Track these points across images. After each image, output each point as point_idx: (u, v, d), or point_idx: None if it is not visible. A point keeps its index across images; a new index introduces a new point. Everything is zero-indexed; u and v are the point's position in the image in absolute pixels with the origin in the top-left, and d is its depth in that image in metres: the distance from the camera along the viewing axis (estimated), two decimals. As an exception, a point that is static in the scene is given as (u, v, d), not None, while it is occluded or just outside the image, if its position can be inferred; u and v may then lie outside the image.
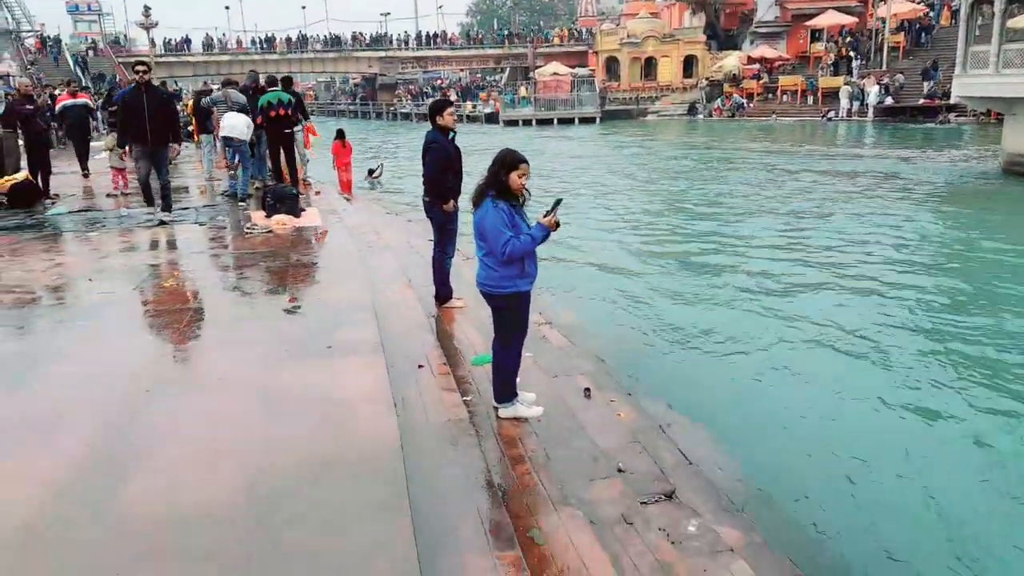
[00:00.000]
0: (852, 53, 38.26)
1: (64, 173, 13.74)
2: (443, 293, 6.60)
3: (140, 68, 8.97)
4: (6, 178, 10.86)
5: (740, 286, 8.91)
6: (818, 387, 6.20)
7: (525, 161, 4.01)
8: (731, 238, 11.51)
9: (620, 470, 4.11)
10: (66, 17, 57.88)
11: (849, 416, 5.68)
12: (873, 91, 33.43)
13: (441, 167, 6.25)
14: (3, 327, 5.22)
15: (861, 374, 6.42)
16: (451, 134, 6.30)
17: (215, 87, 15.20)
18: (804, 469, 4.96)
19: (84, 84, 29.62)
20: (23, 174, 10.90)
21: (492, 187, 3.99)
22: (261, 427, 3.62)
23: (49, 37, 53.77)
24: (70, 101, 13.54)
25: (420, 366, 4.87)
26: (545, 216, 4.01)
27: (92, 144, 14.65)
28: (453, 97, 54.22)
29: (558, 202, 4.11)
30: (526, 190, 4.08)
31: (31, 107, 11.21)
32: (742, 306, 8.20)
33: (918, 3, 39.43)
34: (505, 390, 4.40)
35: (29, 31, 52.73)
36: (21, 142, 11.94)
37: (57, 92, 20.98)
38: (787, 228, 12.15)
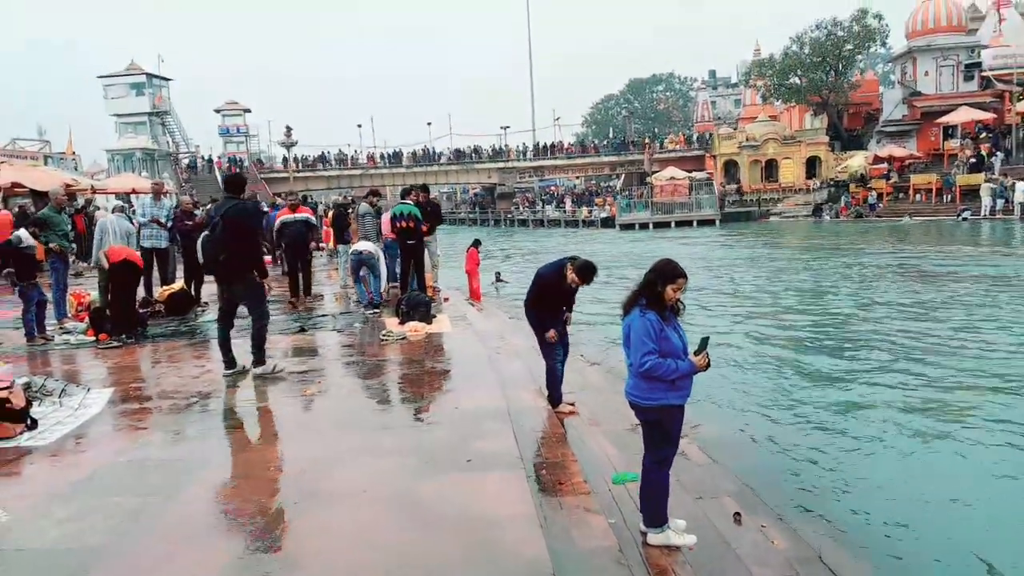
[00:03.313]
0: (992, 149, 36.46)
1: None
2: (554, 397, 6.55)
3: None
4: (165, 288, 11.73)
5: (888, 400, 8.33)
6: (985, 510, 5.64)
7: (684, 276, 3.87)
8: (881, 347, 10.80)
9: (783, 608, 3.73)
10: (217, 139, 63.99)
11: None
12: (1020, 187, 31.49)
13: (537, 296, 6.39)
14: (162, 434, 5.44)
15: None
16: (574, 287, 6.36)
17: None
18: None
19: (306, 199, 29.97)
20: (179, 284, 11.75)
21: (644, 296, 3.87)
22: (410, 546, 3.52)
23: (203, 157, 59.52)
24: (290, 216, 12.42)
25: (561, 483, 4.67)
26: (696, 354, 3.86)
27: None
28: (569, 204, 55.48)
29: (705, 340, 3.94)
30: (680, 303, 3.93)
31: (190, 223, 12.16)
32: (892, 420, 7.64)
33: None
34: (656, 514, 4.11)
35: (186, 152, 58.65)
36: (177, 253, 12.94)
37: (276, 206, 21.71)
38: (943, 336, 11.30)
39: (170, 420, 5.77)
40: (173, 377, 7.26)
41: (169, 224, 12.01)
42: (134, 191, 27.19)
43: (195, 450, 5.03)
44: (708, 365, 3.91)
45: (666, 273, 3.84)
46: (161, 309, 11.23)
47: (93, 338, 9.21)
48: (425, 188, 12.92)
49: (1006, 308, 13.15)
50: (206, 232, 7.74)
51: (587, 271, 6.20)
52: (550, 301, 6.42)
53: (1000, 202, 32.79)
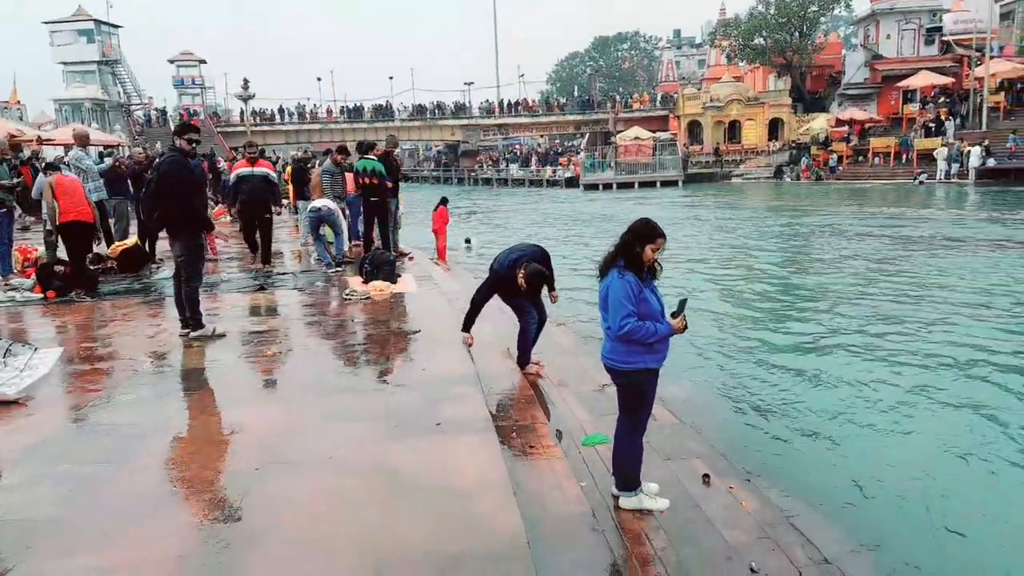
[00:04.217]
0: (948, 114, 36.97)
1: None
2: (523, 358, 6.58)
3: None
4: (116, 244, 11.29)
5: (852, 358, 8.46)
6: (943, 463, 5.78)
7: (663, 235, 3.73)
8: (845, 310, 10.92)
9: (753, 570, 3.71)
10: (172, 91, 61.96)
11: (997, 500, 5.14)
12: (975, 153, 32.03)
13: (486, 293, 6.42)
14: (114, 397, 5.20)
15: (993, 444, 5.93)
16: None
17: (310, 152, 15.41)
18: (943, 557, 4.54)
19: (263, 152, 28.52)
20: (133, 240, 11.32)
21: (622, 257, 3.73)
22: (378, 513, 3.39)
23: (157, 109, 57.58)
24: (247, 169, 10.82)
25: (532, 446, 4.58)
26: (673, 316, 3.76)
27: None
28: (535, 163, 55.08)
29: (683, 302, 3.86)
30: (658, 263, 3.80)
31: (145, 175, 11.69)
32: (854, 378, 7.76)
33: (1021, 62, 37.92)
34: (629, 478, 4.04)
35: (139, 104, 56.64)
36: (131, 208, 12.47)
37: (231, 159, 20.19)
38: (907, 299, 11.46)
39: (123, 382, 5.52)
40: (126, 337, 6.98)
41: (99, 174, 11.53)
42: (90, 142, 26.13)
43: (150, 414, 4.81)
44: (685, 327, 3.83)
45: (644, 233, 3.70)
46: (113, 265, 10.83)
47: (40, 295, 8.83)
48: (394, 141, 12.54)
49: (966, 269, 13.38)
50: (143, 190, 7.35)
51: (536, 279, 6.27)
52: (503, 291, 6.44)
53: (955, 166, 33.35)
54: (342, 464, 3.91)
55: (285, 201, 20.99)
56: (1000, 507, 5.16)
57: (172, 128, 44.94)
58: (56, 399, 5.24)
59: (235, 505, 3.48)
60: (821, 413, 6.95)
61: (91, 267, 9.70)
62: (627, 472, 4.04)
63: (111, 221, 12.94)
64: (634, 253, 3.69)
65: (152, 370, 5.89)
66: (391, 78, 71.53)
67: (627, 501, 4.07)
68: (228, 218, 15.57)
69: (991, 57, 36.12)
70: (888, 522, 5.08)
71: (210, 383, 5.55)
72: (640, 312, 3.68)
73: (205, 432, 4.49)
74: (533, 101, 65.67)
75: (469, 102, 63.47)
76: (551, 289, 6.62)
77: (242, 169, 10.98)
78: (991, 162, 31.78)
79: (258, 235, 11.13)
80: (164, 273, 10.43)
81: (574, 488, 4.04)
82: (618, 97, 62.70)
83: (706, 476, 4.89)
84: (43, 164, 12.83)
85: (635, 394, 3.91)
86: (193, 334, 6.78)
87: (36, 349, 6.27)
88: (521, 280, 6.21)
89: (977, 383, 7.50)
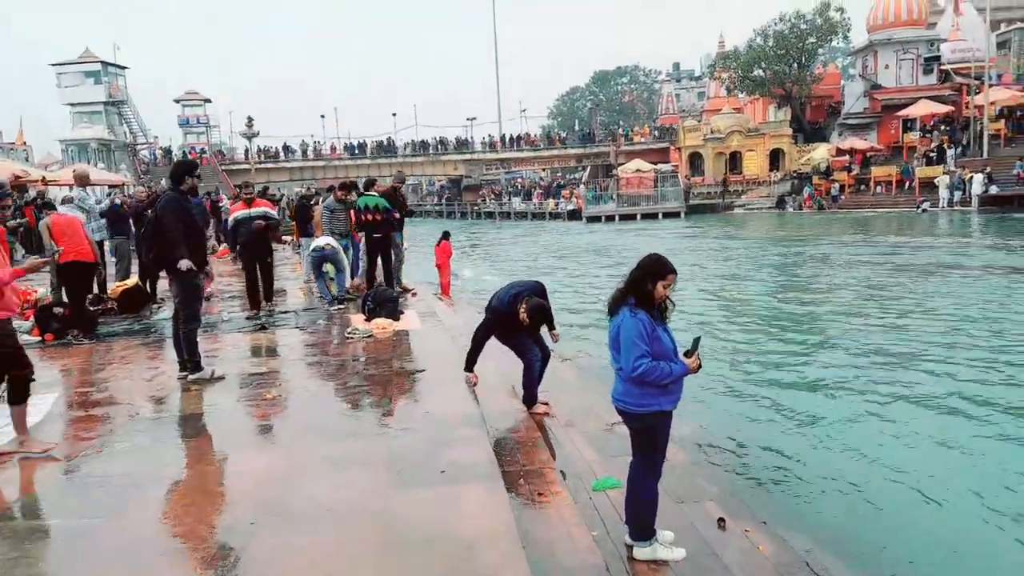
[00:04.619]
0: (949, 142, 37.09)
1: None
2: (529, 397, 6.37)
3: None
4: (118, 284, 11.19)
5: (864, 393, 8.30)
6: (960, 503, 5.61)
7: (674, 271, 3.59)
8: (856, 344, 10.75)
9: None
10: (177, 130, 62.45)
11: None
12: (977, 180, 32.03)
13: (486, 332, 6.33)
14: (108, 445, 5.04)
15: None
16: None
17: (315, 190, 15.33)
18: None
19: (266, 190, 27.91)
20: (133, 280, 11.22)
21: (632, 295, 3.59)
22: (379, 570, 3.21)
23: (162, 148, 58.07)
24: (244, 212, 10.10)
25: (540, 493, 4.39)
26: (687, 355, 3.62)
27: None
28: (537, 197, 55.27)
29: (697, 340, 3.72)
30: (670, 300, 3.66)
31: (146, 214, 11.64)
32: (865, 412, 7.65)
33: (1020, 90, 38.11)
34: (644, 527, 3.85)
35: (144, 143, 57.14)
36: (132, 248, 12.39)
37: (224, 201, 19.56)
38: (922, 331, 11.28)
39: (119, 429, 5.36)
40: (124, 380, 6.83)
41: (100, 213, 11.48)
42: (90, 182, 26.25)
43: (144, 463, 4.64)
44: (700, 367, 3.69)
45: (655, 269, 3.57)
46: (114, 306, 10.71)
47: (38, 338, 8.70)
48: (401, 177, 12.51)
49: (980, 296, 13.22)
50: (143, 230, 7.23)
51: (539, 315, 6.15)
52: (503, 328, 6.31)
53: (957, 194, 33.31)
54: (342, 516, 3.73)
55: (288, 238, 21.03)
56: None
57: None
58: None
59: (229, 563, 3.30)
60: (832, 448, 6.83)
61: (91, 308, 9.58)
62: (642, 520, 3.85)
63: (112, 260, 12.88)
64: (645, 290, 3.55)
65: (148, 416, 5.73)
66: (394, 114, 72.15)
67: (641, 551, 3.88)
68: (230, 257, 15.50)
69: (990, 85, 36.31)
70: (908, 561, 4.90)
71: (207, 429, 5.38)
72: (653, 351, 3.52)
73: (200, 482, 4.32)
74: (535, 135, 66.12)
75: (471, 137, 63.91)
76: (551, 327, 6.48)
77: (239, 212, 10.31)
78: (994, 189, 31.75)
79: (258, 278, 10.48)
80: (164, 313, 10.30)
81: (585, 538, 3.85)
82: (620, 130, 63.08)
83: (721, 520, 4.72)
84: (39, 203, 12.73)
85: (650, 438, 3.74)
86: (191, 377, 6.63)
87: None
88: (524, 315, 6.09)
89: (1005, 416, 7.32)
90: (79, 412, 5.84)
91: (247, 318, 9.68)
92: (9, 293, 4.63)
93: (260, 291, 10.31)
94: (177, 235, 6.52)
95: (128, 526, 3.76)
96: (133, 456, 4.79)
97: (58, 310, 8.92)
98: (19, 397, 4.79)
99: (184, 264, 6.48)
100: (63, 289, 9.09)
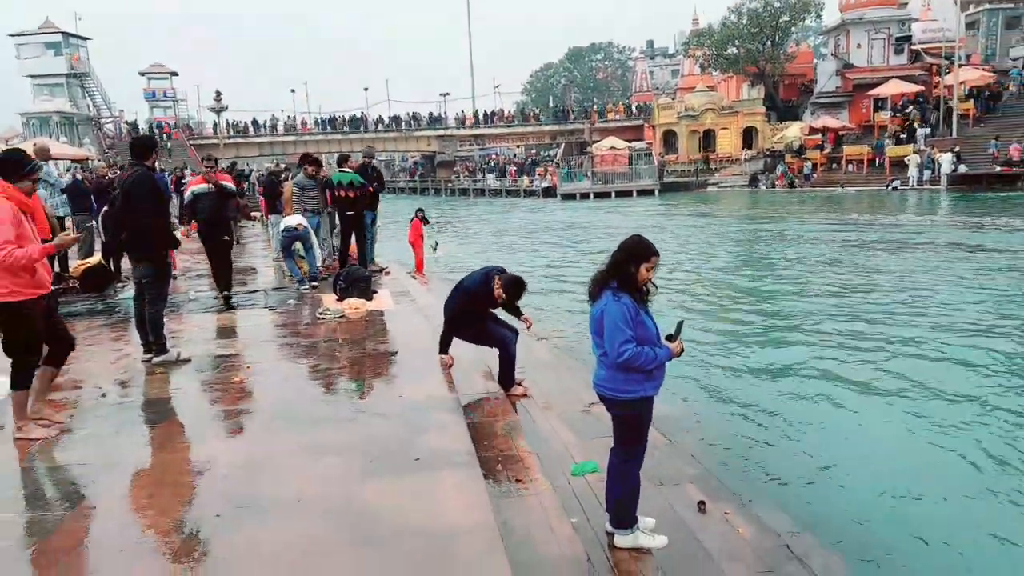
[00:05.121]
0: (920, 121, 37.44)
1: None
2: (506, 379, 6.29)
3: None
4: (80, 262, 10.85)
5: (832, 369, 8.36)
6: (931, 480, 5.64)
7: (656, 253, 3.47)
8: (820, 316, 10.79)
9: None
10: (143, 103, 60.97)
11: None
12: (946, 159, 32.38)
13: (461, 310, 6.13)
14: (68, 431, 4.82)
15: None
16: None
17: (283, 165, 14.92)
18: None
19: (234, 165, 26.34)
20: (96, 258, 10.87)
21: (614, 278, 3.46)
22: (353, 563, 3.07)
23: (127, 122, 56.66)
24: (203, 186, 9.08)
25: (519, 480, 4.28)
26: (670, 339, 3.52)
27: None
28: (512, 174, 55.05)
29: (680, 324, 3.64)
30: (652, 283, 3.54)
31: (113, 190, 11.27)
32: (837, 390, 7.67)
33: (988, 70, 38.52)
34: (625, 514, 3.76)
35: (109, 117, 55.68)
36: (94, 224, 12.02)
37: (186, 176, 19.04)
38: (895, 308, 11.34)
39: (79, 414, 5.15)
40: (86, 363, 6.56)
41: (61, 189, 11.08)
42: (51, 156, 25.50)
43: (105, 451, 4.44)
44: (683, 351, 3.59)
45: (638, 251, 3.44)
46: (76, 285, 10.38)
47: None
48: (371, 152, 12.23)
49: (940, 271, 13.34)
50: (106, 207, 6.94)
51: (515, 288, 6.03)
52: (472, 314, 6.16)
53: (927, 173, 33.67)
54: (313, 506, 3.58)
55: (256, 214, 20.62)
56: (1007, 532, 4.96)
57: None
58: (1, 435, 4.86)
59: (193, 559, 3.13)
60: (810, 426, 6.83)
61: (51, 287, 9.25)
62: (623, 508, 3.76)
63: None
64: (628, 273, 3.41)
65: (111, 400, 5.51)
66: (366, 89, 71.07)
67: (623, 539, 3.79)
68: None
69: (959, 65, 36.60)
70: (886, 541, 4.91)
71: (172, 414, 5.18)
72: (637, 336, 3.40)
73: (163, 472, 4.13)
74: (509, 112, 65.63)
75: (444, 113, 63.29)
76: (519, 314, 6.37)
77: (197, 186, 9.22)
78: (962, 168, 32.12)
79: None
80: (128, 292, 9.98)
81: (565, 527, 3.74)
82: (594, 107, 62.81)
83: (701, 503, 4.68)
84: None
85: (634, 424, 3.63)
86: (156, 359, 6.40)
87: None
88: (499, 291, 5.98)
89: (982, 394, 7.36)
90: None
91: (214, 297, 9.26)
92: (41, 270, 4.62)
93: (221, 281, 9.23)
94: (150, 214, 6.29)
95: (86, 520, 3.58)
96: (94, 444, 4.59)
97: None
98: (21, 384, 4.71)
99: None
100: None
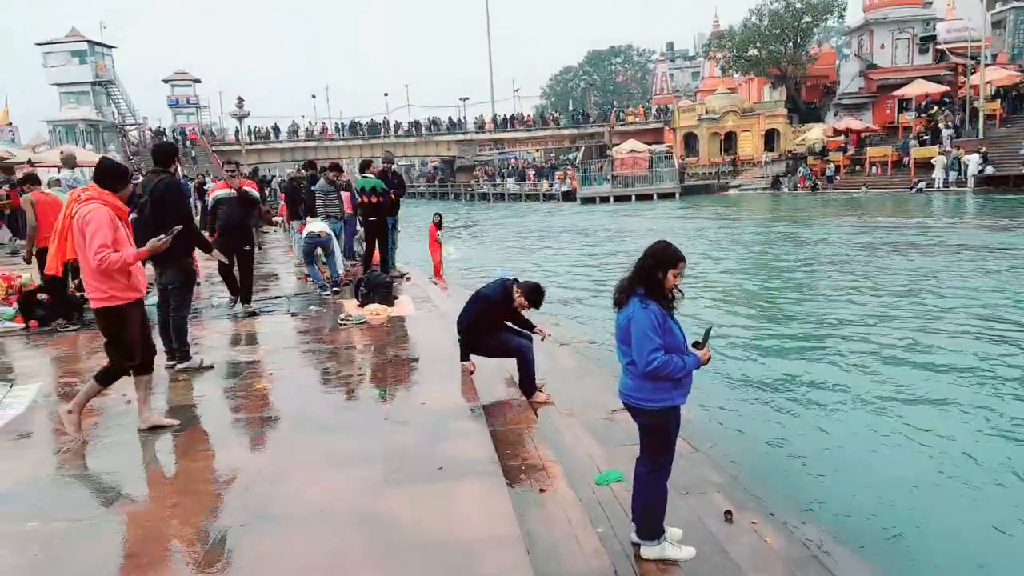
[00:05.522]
0: (946, 122, 36.88)
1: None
2: (527, 386, 6.28)
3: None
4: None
5: (865, 375, 8.22)
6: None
7: (683, 259, 3.41)
8: (850, 323, 10.63)
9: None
10: (167, 110, 61.70)
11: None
12: (973, 160, 31.86)
13: (477, 319, 6.12)
14: (93, 439, 4.85)
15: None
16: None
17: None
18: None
19: (255, 171, 26.12)
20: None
21: (641, 284, 3.40)
22: (375, 577, 3.03)
23: (151, 129, 57.33)
24: (225, 192, 8.82)
25: (543, 490, 4.23)
26: (697, 346, 3.47)
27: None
28: (532, 177, 55.00)
29: (708, 331, 3.58)
30: (679, 289, 3.47)
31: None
32: (866, 394, 7.56)
33: (1015, 70, 37.87)
34: (652, 525, 3.70)
35: (133, 124, 56.38)
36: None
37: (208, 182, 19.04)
38: (927, 313, 11.16)
39: (104, 422, 5.17)
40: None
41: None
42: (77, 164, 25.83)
43: (128, 460, 4.45)
44: (710, 358, 3.53)
45: (666, 257, 3.37)
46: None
47: (22, 325, 8.46)
48: (389, 157, 12.25)
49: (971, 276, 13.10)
50: (133, 214, 6.98)
51: (536, 295, 6.03)
52: (488, 323, 6.16)
53: (952, 174, 33.15)
54: (336, 517, 3.55)
55: (278, 219, 20.74)
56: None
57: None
58: (29, 443, 4.89)
59: (217, 569, 3.11)
60: (835, 434, 6.72)
61: (77, 294, 9.32)
62: (651, 519, 3.70)
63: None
64: (655, 280, 3.36)
65: (135, 408, 5.51)
66: (386, 95, 72.18)
67: (649, 551, 3.72)
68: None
69: (985, 65, 36.04)
70: (918, 552, 4.80)
71: (195, 422, 5.18)
72: (666, 344, 3.34)
73: (187, 480, 4.12)
74: (528, 116, 65.60)
75: (464, 117, 63.36)
76: (532, 327, 6.40)
77: (219, 191, 9.03)
78: (989, 169, 31.60)
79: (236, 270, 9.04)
80: (153, 299, 10.07)
81: (592, 539, 3.68)
82: (614, 107, 62.60)
83: (728, 513, 4.60)
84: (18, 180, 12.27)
85: (662, 434, 3.57)
86: (180, 366, 6.42)
87: (12, 385, 5.92)
88: (520, 299, 5.98)
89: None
90: (63, 404, 5.62)
91: (229, 311, 9.06)
92: (136, 273, 4.80)
93: (237, 281, 9.07)
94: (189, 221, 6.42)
95: (111, 528, 3.57)
96: (118, 451, 4.60)
97: (42, 296, 8.67)
98: (106, 380, 4.90)
99: (216, 254, 6.98)
100: (42, 275, 8.79)
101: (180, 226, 5.62)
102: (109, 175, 4.82)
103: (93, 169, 5.19)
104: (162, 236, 5.03)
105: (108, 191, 4.74)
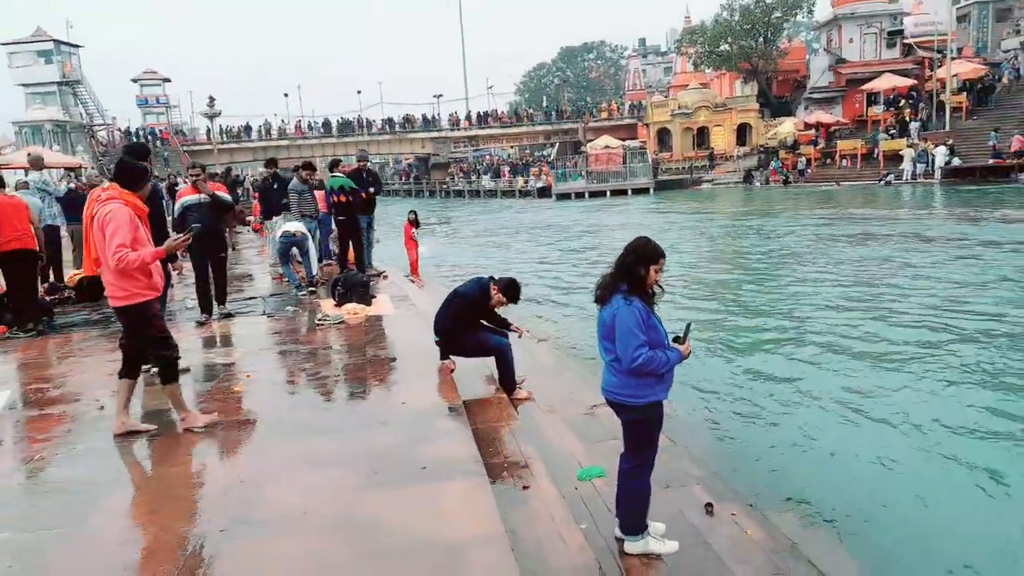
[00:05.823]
0: (913, 115, 37.43)
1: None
2: (507, 383, 6.27)
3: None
4: (75, 272, 10.76)
5: (841, 367, 8.29)
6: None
7: (664, 254, 3.42)
8: (826, 315, 10.74)
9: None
10: (136, 110, 60.78)
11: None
12: (940, 152, 32.38)
13: (454, 317, 6.09)
14: (65, 446, 4.75)
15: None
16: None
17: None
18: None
19: (229, 171, 25.82)
20: (91, 267, 10.77)
21: (624, 281, 3.40)
22: (359, 581, 3.00)
23: (120, 130, 56.44)
24: (194, 197, 8.23)
25: (526, 487, 4.21)
26: (678, 341, 3.49)
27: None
28: (507, 174, 55.00)
29: (689, 326, 3.63)
30: (659, 285, 3.48)
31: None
32: (843, 386, 7.64)
33: (980, 63, 38.55)
34: (636, 521, 3.70)
35: (102, 124, 55.45)
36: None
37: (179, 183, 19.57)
38: (895, 302, 11.30)
39: (76, 428, 5.07)
40: (82, 375, 6.49)
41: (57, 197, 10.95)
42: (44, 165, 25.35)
43: (104, 466, 4.37)
44: (690, 353, 3.55)
45: (647, 253, 3.38)
46: (71, 295, 10.29)
47: (-9, 331, 8.28)
48: (364, 156, 12.15)
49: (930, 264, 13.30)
50: None
51: (513, 290, 6.05)
52: (466, 322, 6.16)
53: (921, 166, 33.65)
54: (318, 520, 3.51)
55: (252, 219, 20.55)
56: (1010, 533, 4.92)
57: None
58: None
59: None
60: (811, 426, 6.77)
61: (46, 297, 9.16)
62: (634, 514, 3.71)
63: (69, 247, 12.40)
64: (638, 276, 3.36)
65: (109, 413, 5.42)
66: (359, 92, 71.52)
67: (633, 546, 3.73)
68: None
69: (951, 58, 36.63)
70: (895, 540, 4.86)
71: (172, 427, 5.09)
72: (650, 340, 3.35)
73: (165, 486, 4.05)
74: (502, 112, 65.57)
75: (438, 114, 63.17)
76: (509, 325, 6.42)
77: (188, 197, 8.32)
78: (956, 161, 32.13)
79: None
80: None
81: (576, 536, 3.68)
82: (588, 103, 62.77)
83: (709, 505, 4.63)
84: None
85: (646, 430, 3.58)
86: (154, 370, 6.31)
87: (-19, 393, 5.79)
88: (498, 296, 6.01)
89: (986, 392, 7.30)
90: (33, 411, 5.52)
91: (197, 323, 8.50)
92: (155, 273, 4.85)
93: (211, 291, 8.68)
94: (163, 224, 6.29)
95: (86, 537, 3.50)
96: (92, 458, 4.52)
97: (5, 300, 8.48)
98: (170, 378, 4.96)
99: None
100: (4, 281, 8.52)
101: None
102: (129, 174, 4.84)
103: (63, 170, 5.12)
104: (179, 235, 5.08)
105: (128, 191, 4.76)
